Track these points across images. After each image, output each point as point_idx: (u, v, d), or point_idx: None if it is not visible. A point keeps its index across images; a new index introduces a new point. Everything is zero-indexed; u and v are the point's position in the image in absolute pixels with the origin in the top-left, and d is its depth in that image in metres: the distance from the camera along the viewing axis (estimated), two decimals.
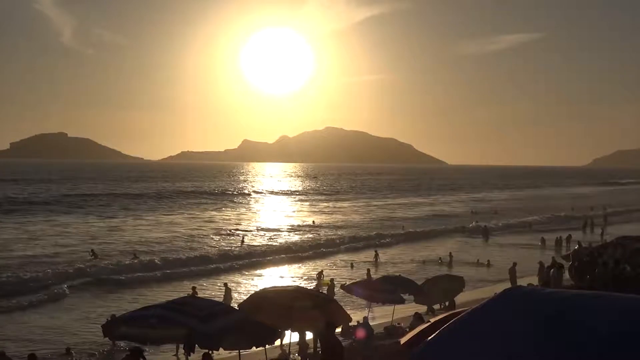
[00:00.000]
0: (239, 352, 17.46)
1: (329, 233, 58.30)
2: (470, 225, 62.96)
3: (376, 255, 42.77)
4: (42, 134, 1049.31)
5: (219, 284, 32.53)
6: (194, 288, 27.90)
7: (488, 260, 42.76)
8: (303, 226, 64.93)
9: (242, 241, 50.48)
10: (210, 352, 15.35)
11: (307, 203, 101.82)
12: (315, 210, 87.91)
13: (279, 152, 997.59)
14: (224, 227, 61.57)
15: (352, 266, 40.43)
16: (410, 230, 60.19)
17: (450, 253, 44.12)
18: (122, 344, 20.14)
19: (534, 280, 32.51)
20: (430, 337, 5.34)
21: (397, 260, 44.19)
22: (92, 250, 42.59)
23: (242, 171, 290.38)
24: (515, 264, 33.60)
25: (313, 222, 68.33)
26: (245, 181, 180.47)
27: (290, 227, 63.35)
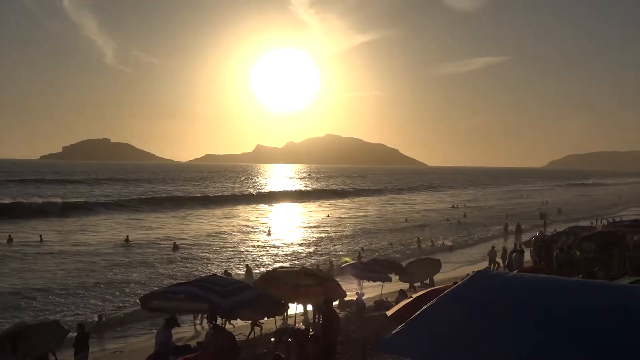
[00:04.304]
0: (253, 323, 17.52)
1: (339, 226, 57.04)
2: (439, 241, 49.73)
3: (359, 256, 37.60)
4: (89, 140, 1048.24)
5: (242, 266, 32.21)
6: (225, 271, 28.43)
7: (451, 245, 43.13)
8: (319, 218, 64.54)
9: (269, 232, 49.85)
10: (222, 323, 15.35)
11: (320, 199, 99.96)
12: (326, 204, 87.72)
13: (287, 155, 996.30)
14: (252, 221, 60.65)
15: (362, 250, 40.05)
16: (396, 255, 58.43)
17: (418, 238, 44.16)
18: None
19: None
20: (395, 330, 5.22)
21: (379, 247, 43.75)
22: (127, 237, 42.54)
23: (257, 172, 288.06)
24: (493, 247, 33.90)
25: (328, 215, 68.14)
26: (263, 181, 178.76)
27: (308, 220, 62.63)
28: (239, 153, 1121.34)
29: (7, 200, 68.30)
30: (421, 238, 44.66)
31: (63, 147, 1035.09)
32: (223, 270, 28.98)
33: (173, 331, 14.29)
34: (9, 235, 41.32)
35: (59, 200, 73.92)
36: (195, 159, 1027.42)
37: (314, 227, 55.89)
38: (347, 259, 31.19)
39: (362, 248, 40.82)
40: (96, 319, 21.26)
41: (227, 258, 36.73)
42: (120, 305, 24.07)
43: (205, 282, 14.78)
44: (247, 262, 33.17)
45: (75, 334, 15.65)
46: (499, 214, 70.90)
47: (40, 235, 42.74)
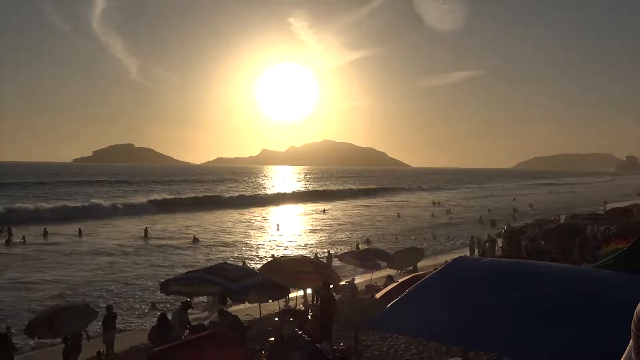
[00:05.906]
0: (259, 305, 17.51)
1: (336, 222, 56.21)
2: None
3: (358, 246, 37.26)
4: (115, 145, 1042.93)
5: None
6: (244, 262, 28.39)
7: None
8: (318, 215, 64.28)
9: (278, 227, 49.36)
10: (225, 308, 15.34)
11: (319, 199, 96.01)
12: (325, 203, 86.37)
13: (289, 157, 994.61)
14: (261, 219, 59.78)
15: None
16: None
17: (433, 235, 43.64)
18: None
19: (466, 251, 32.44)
20: (383, 310, 5.25)
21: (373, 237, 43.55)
22: (145, 228, 42.07)
23: (264, 173, 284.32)
24: (472, 237, 33.83)
25: (324, 210, 67.93)
26: (269, 182, 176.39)
27: (309, 217, 62.22)
28: (247, 156, 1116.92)
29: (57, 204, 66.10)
30: (434, 235, 43.88)
31: (93, 152, 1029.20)
32: (242, 261, 28.89)
33: (188, 312, 14.28)
34: (44, 229, 41.21)
35: (155, 199, 73.58)
36: (208, 162, 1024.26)
37: (315, 223, 55.56)
38: (361, 246, 31.08)
39: (368, 239, 39.90)
40: (150, 305, 21.03)
41: (243, 250, 36.30)
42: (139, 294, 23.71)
43: (217, 268, 14.81)
44: (273, 253, 32.91)
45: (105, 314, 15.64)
46: (479, 209, 70.47)
47: (80, 229, 42.32)
